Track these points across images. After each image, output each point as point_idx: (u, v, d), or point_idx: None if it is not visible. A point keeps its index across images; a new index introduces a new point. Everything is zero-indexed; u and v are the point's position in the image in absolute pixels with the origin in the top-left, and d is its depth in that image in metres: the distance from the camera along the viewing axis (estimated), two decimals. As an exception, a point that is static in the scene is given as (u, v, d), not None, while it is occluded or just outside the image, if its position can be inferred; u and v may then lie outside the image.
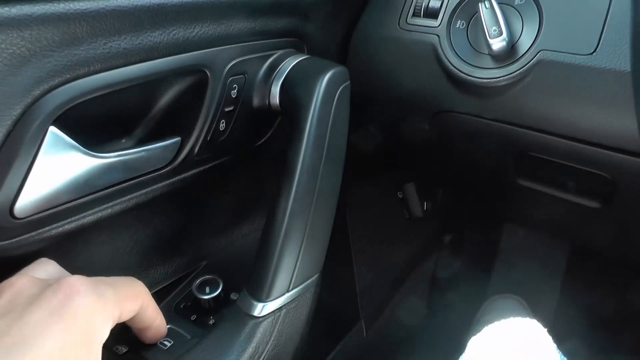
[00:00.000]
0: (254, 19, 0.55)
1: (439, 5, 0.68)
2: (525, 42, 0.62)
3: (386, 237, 1.15)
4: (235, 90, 0.54)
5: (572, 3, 0.60)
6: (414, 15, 0.70)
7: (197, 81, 0.50)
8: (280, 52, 0.60)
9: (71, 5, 0.36)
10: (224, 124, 0.54)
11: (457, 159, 0.85)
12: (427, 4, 0.69)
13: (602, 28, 0.57)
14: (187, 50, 0.48)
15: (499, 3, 0.62)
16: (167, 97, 0.50)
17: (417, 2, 0.70)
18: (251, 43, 0.56)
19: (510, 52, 0.62)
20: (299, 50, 0.63)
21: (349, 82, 0.57)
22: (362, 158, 0.91)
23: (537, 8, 0.62)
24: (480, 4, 0.62)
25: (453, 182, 1.10)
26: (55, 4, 0.36)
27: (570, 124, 0.60)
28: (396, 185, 1.14)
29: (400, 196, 1.13)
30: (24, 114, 0.36)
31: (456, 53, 0.65)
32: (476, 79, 0.63)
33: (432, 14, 0.69)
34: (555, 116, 0.61)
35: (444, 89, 0.67)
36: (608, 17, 0.57)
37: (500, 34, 0.61)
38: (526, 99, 0.62)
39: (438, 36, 0.67)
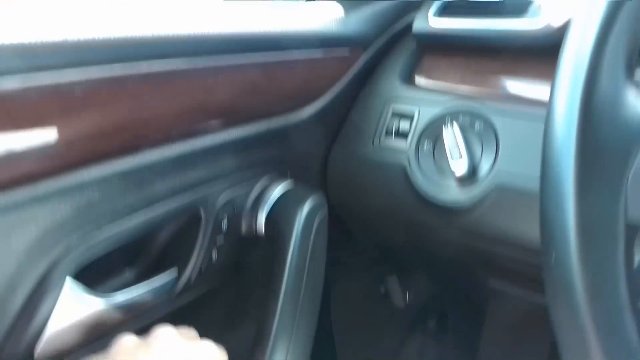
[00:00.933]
0: (242, 154, 0.62)
1: (408, 127, 0.76)
2: (485, 166, 0.69)
3: (370, 329, 1.19)
4: (226, 220, 0.60)
5: (525, 130, 0.68)
6: (386, 135, 0.78)
7: (192, 216, 0.57)
8: (265, 178, 0.67)
9: (85, 176, 0.43)
10: (215, 254, 0.60)
11: (432, 262, 0.91)
12: (397, 126, 0.77)
13: None
14: (182, 192, 0.54)
15: (460, 127, 0.70)
16: (164, 233, 0.56)
17: (389, 123, 0.78)
18: (239, 174, 0.63)
19: (471, 175, 0.69)
20: (282, 173, 0.70)
21: (326, 208, 0.64)
22: (344, 254, 0.97)
23: (494, 134, 0.69)
24: (443, 129, 0.70)
25: (433, 275, 1.15)
26: (71, 175, 0.42)
27: (530, 241, 0.66)
28: (379, 278, 1.19)
29: (383, 291, 1.18)
30: (45, 272, 0.42)
31: (423, 174, 0.72)
32: (442, 201, 0.70)
33: (402, 135, 0.76)
34: (516, 235, 0.67)
35: (415, 206, 0.74)
36: None
37: (461, 156, 0.68)
38: (488, 219, 0.68)
39: (408, 157, 0.74)
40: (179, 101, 0.50)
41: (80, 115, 0.41)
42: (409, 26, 0.83)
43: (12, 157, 0.38)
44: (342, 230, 0.83)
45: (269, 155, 0.68)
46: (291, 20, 0.68)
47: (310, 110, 0.74)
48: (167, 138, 0.51)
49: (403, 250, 0.91)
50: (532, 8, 0.72)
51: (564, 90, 0.42)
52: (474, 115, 0.71)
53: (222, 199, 0.59)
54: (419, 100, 0.77)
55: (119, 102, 0.44)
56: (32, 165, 0.40)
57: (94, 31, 0.41)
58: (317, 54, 0.71)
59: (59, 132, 0.39)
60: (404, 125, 0.76)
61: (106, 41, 0.42)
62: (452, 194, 0.70)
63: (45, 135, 0.39)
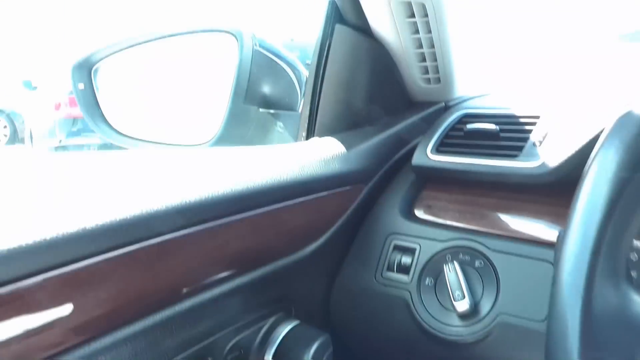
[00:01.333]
0: (248, 299, 0.63)
1: (410, 262, 0.78)
2: (486, 304, 0.70)
3: None
4: None
5: (524, 269, 0.70)
6: (388, 269, 0.79)
7: None
8: (271, 319, 0.68)
9: (98, 344, 0.44)
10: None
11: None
12: (399, 260, 0.79)
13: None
14: (191, 345, 0.55)
15: (460, 264, 0.72)
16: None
17: (390, 257, 0.80)
18: (245, 318, 0.64)
19: (473, 312, 0.70)
20: (287, 313, 0.71)
21: (331, 349, 0.65)
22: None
23: (494, 273, 0.71)
24: (444, 266, 0.72)
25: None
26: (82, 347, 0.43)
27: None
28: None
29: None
30: None
31: (426, 309, 0.74)
32: (445, 335, 0.71)
33: (404, 269, 0.78)
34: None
35: (418, 340, 0.75)
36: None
37: (463, 297, 0.70)
38: (491, 354, 0.69)
39: (409, 292, 0.75)
40: (190, 262, 0.53)
41: (95, 292, 0.43)
42: (405, 158, 0.87)
43: (32, 334, 0.39)
44: (346, 360, 0.83)
45: (274, 296, 0.69)
46: (295, 165, 0.72)
47: (314, 246, 0.77)
48: (178, 297, 0.53)
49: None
50: (527, 146, 0.76)
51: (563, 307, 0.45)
52: (475, 253, 0.73)
53: (230, 346, 0.60)
54: (420, 234, 0.79)
55: (133, 274, 0.46)
56: (50, 339, 0.41)
57: (104, 217, 0.45)
58: (321, 194, 0.74)
59: (74, 309, 0.41)
60: (405, 259, 0.78)
61: (118, 225, 0.45)
62: (454, 328, 0.71)
63: (60, 312, 0.41)
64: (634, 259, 0.49)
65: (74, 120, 4.43)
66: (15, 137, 10.14)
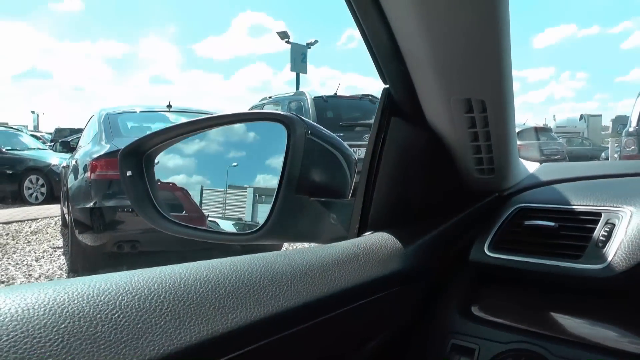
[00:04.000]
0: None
1: None
2: None
3: None
4: None
5: None
6: None
7: None
8: None
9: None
10: None
11: None
12: (458, 360, 0.75)
13: None
14: None
15: None
16: None
17: (449, 358, 0.77)
18: None
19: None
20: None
21: None
22: None
23: None
24: None
25: None
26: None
27: None
28: None
29: None
30: None
31: None
32: None
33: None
34: None
35: None
36: None
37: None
38: None
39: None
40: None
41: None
42: (461, 253, 0.84)
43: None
44: None
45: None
46: (358, 266, 0.70)
47: (373, 346, 0.74)
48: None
49: None
50: (590, 247, 0.73)
51: None
52: (537, 358, 0.70)
53: None
54: (479, 335, 0.76)
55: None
56: None
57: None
58: (380, 294, 0.72)
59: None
60: (464, 360, 0.75)
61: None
62: None
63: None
64: None
65: (110, 181, 4.49)
66: (51, 196, 10.37)
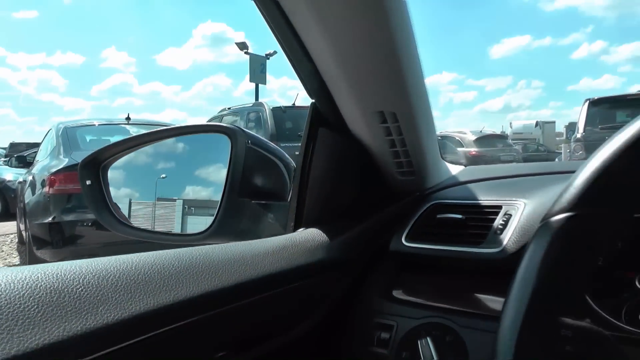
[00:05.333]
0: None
1: (389, 337, 0.86)
2: None
3: None
4: None
5: (489, 342, 0.77)
6: (370, 344, 0.88)
7: None
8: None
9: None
10: None
11: None
12: (379, 336, 0.87)
13: None
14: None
15: (433, 341, 0.80)
16: None
17: (372, 334, 0.88)
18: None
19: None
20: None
21: None
22: None
23: (464, 347, 0.80)
24: (419, 341, 0.81)
25: None
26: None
27: None
28: None
29: None
30: None
31: None
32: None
33: (383, 344, 0.86)
34: None
35: None
36: None
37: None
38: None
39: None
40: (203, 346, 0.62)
41: None
42: (385, 245, 0.97)
43: None
44: None
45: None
46: (287, 255, 0.82)
47: (307, 326, 0.85)
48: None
49: None
50: (490, 234, 0.87)
51: None
52: (445, 330, 0.82)
53: None
54: (398, 313, 0.88)
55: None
56: None
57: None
58: (311, 280, 0.84)
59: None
60: (384, 335, 0.87)
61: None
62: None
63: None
64: (568, 335, 0.58)
65: (69, 196, 4.47)
66: (6, 213, 10.12)
